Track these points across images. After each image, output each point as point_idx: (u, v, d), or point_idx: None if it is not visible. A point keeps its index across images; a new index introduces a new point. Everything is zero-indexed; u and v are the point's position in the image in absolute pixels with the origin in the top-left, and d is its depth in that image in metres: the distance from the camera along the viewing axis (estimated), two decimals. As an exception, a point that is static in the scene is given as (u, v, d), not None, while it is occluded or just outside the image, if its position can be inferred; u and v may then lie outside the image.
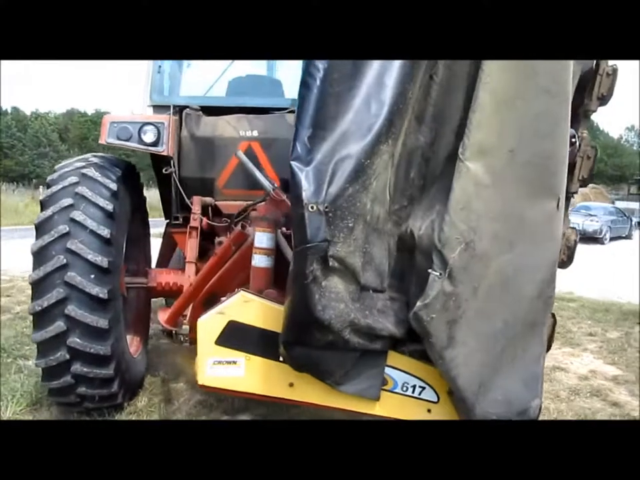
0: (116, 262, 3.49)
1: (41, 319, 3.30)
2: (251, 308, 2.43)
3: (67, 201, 3.38)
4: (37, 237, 3.37)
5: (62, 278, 3.25)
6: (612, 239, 20.19)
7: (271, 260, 2.67)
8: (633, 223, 23.46)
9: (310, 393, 2.46)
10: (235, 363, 2.41)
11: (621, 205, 27.30)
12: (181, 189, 3.91)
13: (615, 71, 2.57)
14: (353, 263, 2.17)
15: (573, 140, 2.50)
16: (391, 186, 2.31)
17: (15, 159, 41.38)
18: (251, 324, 2.42)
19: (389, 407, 2.50)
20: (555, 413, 3.95)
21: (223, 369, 2.40)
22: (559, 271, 2.48)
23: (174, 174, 3.92)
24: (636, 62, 2.48)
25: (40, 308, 3.27)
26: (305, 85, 2.14)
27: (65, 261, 3.26)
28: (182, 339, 3.39)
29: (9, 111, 46.10)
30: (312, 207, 2.03)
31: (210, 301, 3.03)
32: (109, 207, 3.44)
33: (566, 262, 2.61)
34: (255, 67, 4.88)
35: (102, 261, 3.32)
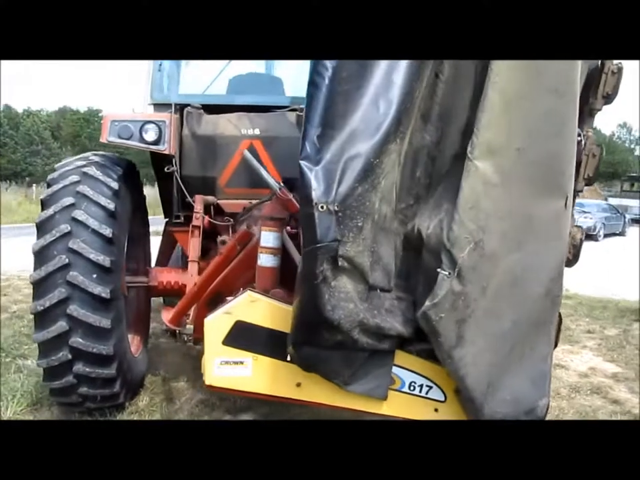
0: (118, 261, 3.47)
1: (42, 318, 3.28)
2: (258, 308, 2.42)
3: (68, 200, 3.36)
4: (38, 236, 3.35)
5: (64, 277, 3.24)
6: (606, 235, 20.29)
7: (277, 259, 2.66)
8: (626, 219, 23.58)
9: (317, 392, 2.46)
10: (242, 363, 2.40)
11: (613, 201, 27.44)
12: (183, 187, 3.89)
13: (620, 69, 2.56)
14: (361, 263, 2.16)
15: (579, 138, 2.50)
16: (397, 184, 2.30)
17: (7, 157, 41.08)
18: (258, 324, 2.41)
19: (396, 407, 2.50)
20: (557, 410, 3.96)
21: (230, 369, 2.39)
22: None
23: (175, 173, 3.90)
24: (627, 61, 2.49)
25: (42, 308, 3.25)
26: (313, 84, 2.13)
27: (66, 260, 3.24)
28: (186, 338, 3.38)
29: (1, 108, 45.77)
30: (322, 207, 2.02)
31: (214, 300, 3.01)
32: (111, 205, 3.42)
33: (572, 260, 2.61)
34: (254, 65, 4.85)
35: (104, 260, 3.30)
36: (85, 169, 3.51)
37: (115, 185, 3.52)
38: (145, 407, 3.90)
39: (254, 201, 3.84)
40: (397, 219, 2.38)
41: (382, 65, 2.16)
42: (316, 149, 2.08)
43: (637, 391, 4.50)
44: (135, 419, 3.73)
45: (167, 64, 4.22)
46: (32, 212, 21.18)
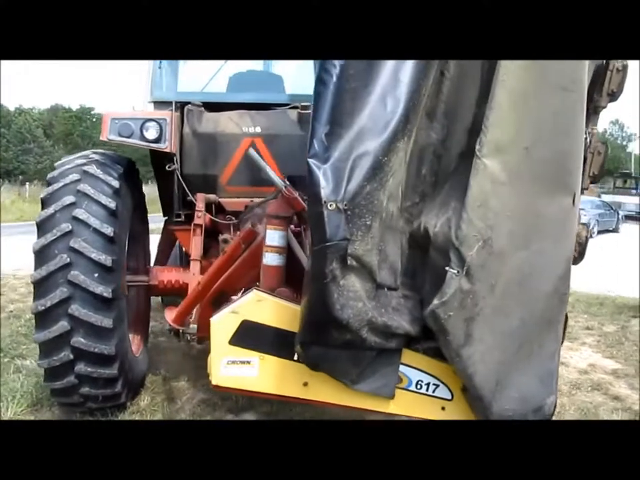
0: (119, 260, 3.46)
1: (43, 318, 3.26)
2: (265, 307, 2.41)
3: (69, 199, 3.33)
4: (39, 235, 3.32)
5: (65, 277, 3.22)
6: (599, 232, 20.37)
7: (283, 258, 2.64)
8: (620, 216, 23.69)
9: (324, 392, 2.44)
10: (248, 362, 2.38)
11: (607, 198, 27.53)
12: (184, 185, 3.87)
13: (625, 67, 2.56)
14: (370, 261, 2.15)
15: (584, 136, 2.50)
16: (402, 183, 2.29)
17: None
18: (264, 323, 2.39)
19: (403, 405, 2.49)
20: (558, 407, 3.95)
21: (237, 369, 2.37)
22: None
23: (176, 171, 3.87)
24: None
25: (43, 307, 3.23)
26: (321, 82, 2.11)
27: (68, 259, 3.22)
28: (189, 338, 3.36)
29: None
30: (331, 205, 2.01)
31: (219, 299, 3.00)
32: (112, 204, 3.40)
33: (577, 258, 2.61)
34: (253, 62, 4.83)
35: (106, 259, 3.28)
36: (85, 168, 3.49)
37: (115, 184, 3.50)
38: (146, 407, 3.89)
39: (255, 199, 3.83)
40: (403, 217, 2.38)
41: (389, 63, 2.14)
42: (324, 146, 2.06)
43: (637, 387, 4.52)
44: (137, 419, 3.71)
45: (167, 62, 4.19)
46: (25, 210, 21.08)
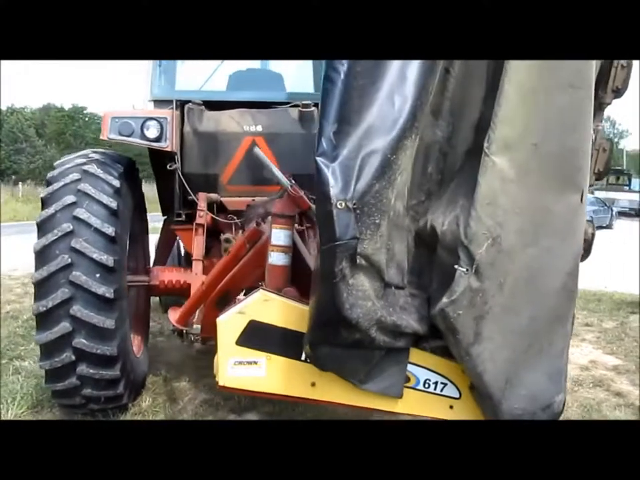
0: (121, 260, 3.43)
1: (45, 319, 3.23)
2: (272, 307, 2.39)
3: (70, 199, 3.30)
4: (39, 235, 3.29)
5: (67, 277, 3.19)
6: (593, 228, 20.39)
7: (289, 257, 2.62)
8: (614, 212, 23.79)
9: (332, 392, 2.43)
10: (256, 363, 2.36)
11: (600, 194, 27.65)
12: (186, 184, 3.84)
13: (629, 63, 2.55)
14: (378, 260, 2.14)
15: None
16: (408, 181, 2.28)
17: (-9, 155, 40.60)
18: (271, 323, 2.37)
19: (411, 404, 2.47)
20: (561, 404, 3.97)
21: (244, 370, 2.35)
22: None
23: (178, 170, 3.85)
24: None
25: (44, 308, 3.20)
26: (328, 80, 2.10)
27: (69, 260, 3.19)
28: (193, 338, 3.34)
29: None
30: (340, 204, 1.99)
31: (223, 299, 2.97)
32: (113, 204, 3.37)
33: (584, 255, 2.60)
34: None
35: (107, 259, 3.25)
36: (85, 167, 3.45)
37: (116, 183, 3.47)
38: (147, 408, 3.87)
39: (257, 198, 3.81)
40: (409, 216, 2.37)
41: (396, 61, 2.13)
42: (332, 145, 2.05)
43: (638, 383, 4.53)
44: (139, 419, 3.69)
45: (166, 60, 4.16)
46: (18, 210, 21.01)
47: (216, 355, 2.41)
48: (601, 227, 21.51)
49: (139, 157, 5.42)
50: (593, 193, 28.11)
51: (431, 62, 2.17)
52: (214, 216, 3.91)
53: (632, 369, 4.84)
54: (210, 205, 3.93)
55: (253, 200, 3.84)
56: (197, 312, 3.37)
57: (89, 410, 3.53)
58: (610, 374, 4.75)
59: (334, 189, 2.00)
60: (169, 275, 4.04)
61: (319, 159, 2.03)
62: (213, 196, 3.95)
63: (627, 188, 31.54)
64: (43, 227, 3.28)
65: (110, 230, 3.29)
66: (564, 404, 2.44)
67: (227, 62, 4.43)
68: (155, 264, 4.65)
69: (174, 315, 3.50)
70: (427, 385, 2.48)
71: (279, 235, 2.60)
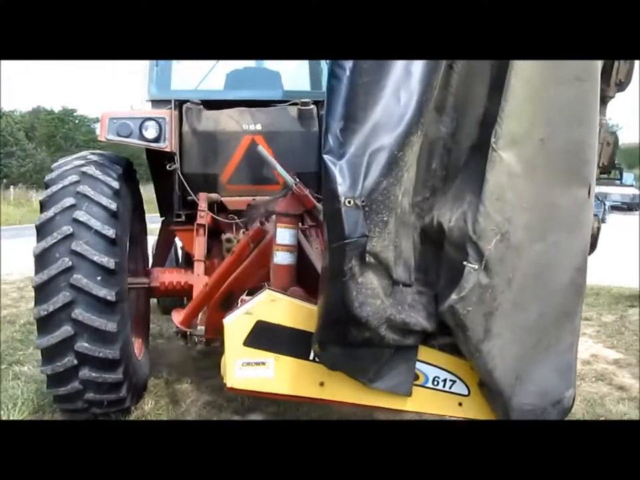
0: (122, 262, 3.40)
1: (46, 323, 3.19)
2: (279, 307, 2.37)
3: (69, 201, 3.27)
4: (39, 239, 3.25)
5: (67, 281, 3.15)
6: (587, 223, 20.44)
7: (294, 257, 2.60)
8: (607, 206, 23.87)
9: (340, 391, 2.41)
10: (264, 364, 2.34)
11: (592, 189, 27.66)
12: (186, 185, 3.81)
13: None
14: (386, 258, 2.13)
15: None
16: (414, 177, 2.27)
17: (-19, 159, 40.28)
18: (279, 323, 2.35)
19: (420, 402, 2.46)
20: (564, 399, 3.97)
21: (252, 371, 2.33)
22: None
23: (177, 170, 3.82)
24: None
25: (45, 312, 3.17)
26: (334, 77, 2.08)
27: (70, 263, 3.16)
28: (197, 340, 3.31)
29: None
30: (349, 202, 1.98)
31: (227, 300, 2.95)
32: (113, 205, 3.34)
33: (590, 249, 2.60)
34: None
35: (108, 262, 3.22)
36: (84, 169, 3.42)
37: (115, 184, 3.44)
38: (150, 411, 3.84)
39: (257, 198, 3.79)
40: (414, 213, 2.35)
41: None
42: (339, 142, 2.03)
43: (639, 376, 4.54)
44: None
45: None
46: (10, 214, 20.85)
47: (223, 356, 2.39)
48: (594, 222, 21.55)
49: (131, 158, 5.37)
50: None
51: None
52: (215, 216, 3.88)
53: (633, 363, 4.85)
54: (210, 205, 3.91)
55: (254, 199, 3.82)
56: (201, 313, 3.34)
57: (91, 414, 3.50)
58: (611, 368, 4.76)
59: (342, 186, 1.98)
60: (169, 277, 4.01)
61: (326, 156, 2.01)
62: (214, 196, 3.92)
63: (618, 182, 31.64)
64: (42, 230, 3.25)
65: (110, 232, 3.26)
66: (574, 399, 2.44)
67: (224, 61, 4.40)
68: (153, 265, 4.61)
69: (177, 316, 3.47)
70: (435, 383, 2.46)
71: (284, 234, 2.58)
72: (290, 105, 4.03)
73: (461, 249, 2.20)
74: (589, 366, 4.78)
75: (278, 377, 2.35)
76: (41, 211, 3.32)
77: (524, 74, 2.12)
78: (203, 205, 3.78)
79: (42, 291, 3.19)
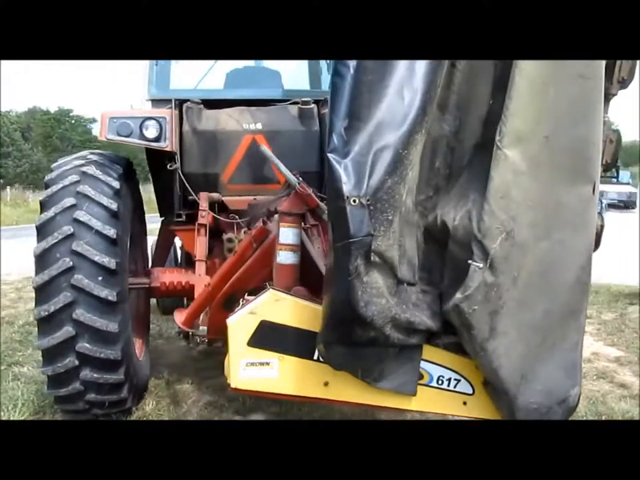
0: (123, 263, 3.38)
1: (47, 324, 3.18)
2: (283, 307, 2.35)
3: (69, 201, 3.25)
4: (39, 239, 3.24)
5: (68, 281, 3.14)
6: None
7: (297, 256, 2.59)
8: (603, 204, 23.89)
9: (345, 391, 2.40)
10: (268, 364, 2.32)
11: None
12: (187, 185, 3.80)
13: None
14: (391, 257, 2.11)
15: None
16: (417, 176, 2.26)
17: (-22, 160, 40.19)
18: (283, 323, 2.34)
19: (425, 402, 2.45)
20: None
21: (256, 371, 2.32)
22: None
23: (178, 170, 3.80)
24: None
25: (46, 313, 3.15)
26: (337, 75, 2.07)
27: (70, 263, 3.14)
28: (199, 340, 3.30)
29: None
30: (354, 201, 1.97)
31: (230, 300, 2.93)
32: (113, 205, 3.32)
33: (593, 247, 2.60)
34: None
35: (109, 262, 3.20)
36: (84, 168, 3.40)
37: (116, 184, 3.42)
38: (151, 412, 3.82)
39: (258, 197, 3.77)
40: (417, 211, 2.34)
41: None
42: (343, 141, 2.02)
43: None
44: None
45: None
46: (7, 215, 20.78)
47: (227, 356, 2.37)
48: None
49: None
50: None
51: None
52: (216, 215, 3.86)
53: (634, 360, 4.86)
54: (211, 205, 3.89)
55: (254, 199, 3.81)
56: (203, 313, 3.33)
57: (92, 415, 3.49)
58: (612, 365, 4.77)
59: (347, 185, 1.97)
60: (169, 277, 3.99)
61: (330, 155, 2.00)
62: (215, 195, 3.91)
63: (614, 180, 31.70)
64: (42, 230, 3.23)
65: (111, 232, 3.25)
66: (579, 397, 2.43)
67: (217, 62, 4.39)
68: (152, 265, 4.60)
69: (180, 317, 3.46)
70: (440, 382, 2.45)
71: (287, 234, 2.57)
72: (290, 104, 4.01)
73: (466, 248, 2.19)
74: (590, 364, 4.78)
75: (282, 377, 2.34)
76: (41, 211, 3.30)
77: (528, 72, 2.11)
78: (204, 204, 3.77)
79: (42, 292, 3.17)
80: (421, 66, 2.11)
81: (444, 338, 2.41)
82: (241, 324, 2.32)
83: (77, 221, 3.19)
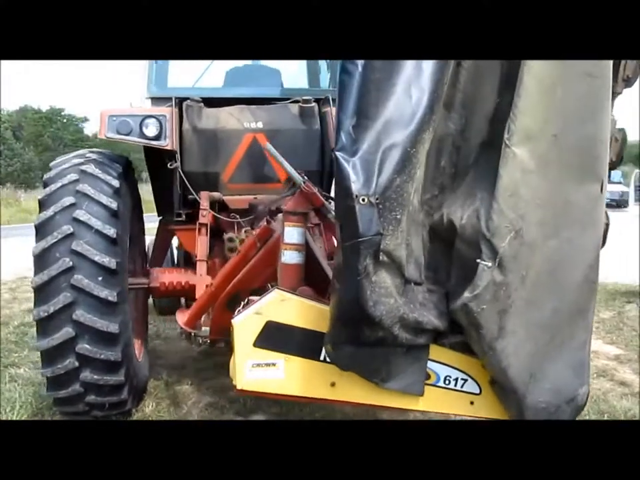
0: (122, 262, 3.34)
1: (46, 325, 3.13)
2: (289, 307, 2.33)
3: (69, 200, 3.21)
4: (38, 238, 3.19)
5: (68, 281, 3.09)
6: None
7: (302, 256, 2.56)
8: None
9: (352, 391, 2.38)
10: (274, 365, 2.30)
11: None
12: (188, 184, 3.76)
13: None
14: (399, 256, 2.10)
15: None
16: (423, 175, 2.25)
17: (-31, 159, 39.87)
18: (289, 323, 2.31)
19: (432, 402, 2.43)
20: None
21: (262, 372, 2.29)
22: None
23: (178, 169, 3.77)
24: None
25: (45, 314, 3.11)
26: (345, 73, 2.05)
27: (70, 263, 3.10)
28: (201, 341, 3.26)
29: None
30: (363, 199, 1.95)
31: (233, 300, 2.90)
32: (113, 204, 3.28)
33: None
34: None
35: (109, 262, 3.16)
36: (83, 167, 3.36)
37: (115, 183, 3.39)
38: (151, 413, 3.79)
39: (259, 196, 3.75)
40: (423, 210, 2.33)
41: None
42: (352, 139, 2.00)
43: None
44: (144, 425, 3.61)
45: None
46: (-1, 214, 20.62)
47: (232, 357, 2.35)
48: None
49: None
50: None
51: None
52: (217, 215, 3.83)
53: (633, 358, 4.87)
54: (211, 204, 3.86)
55: (255, 198, 3.78)
56: (205, 314, 3.29)
57: (92, 417, 3.45)
58: (612, 363, 4.77)
59: (355, 184, 1.95)
60: (169, 277, 3.95)
61: (338, 153, 1.98)
62: (215, 194, 3.87)
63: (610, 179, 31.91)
64: (41, 230, 3.19)
65: (111, 231, 3.21)
66: (587, 396, 2.43)
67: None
68: (150, 265, 4.56)
69: (182, 317, 3.42)
70: (447, 382, 2.44)
71: (292, 233, 2.54)
72: (291, 102, 3.99)
73: (474, 247, 2.18)
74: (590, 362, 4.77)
75: (288, 378, 2.32)
76: (40, 210, 3.25)
77: (536, 70, 2.10)
78: (204, 203, 3.73)
79: (42, 292, 3.13)
80: (428, 64, 2.09)
81: (450, 337, 2.39)
82: (246, 324, 2.29)
83: (76, 220, 3.15)
